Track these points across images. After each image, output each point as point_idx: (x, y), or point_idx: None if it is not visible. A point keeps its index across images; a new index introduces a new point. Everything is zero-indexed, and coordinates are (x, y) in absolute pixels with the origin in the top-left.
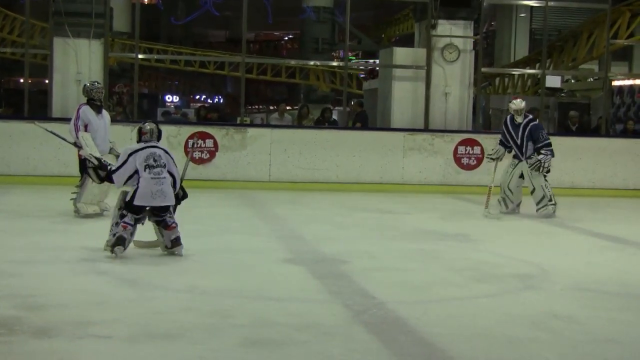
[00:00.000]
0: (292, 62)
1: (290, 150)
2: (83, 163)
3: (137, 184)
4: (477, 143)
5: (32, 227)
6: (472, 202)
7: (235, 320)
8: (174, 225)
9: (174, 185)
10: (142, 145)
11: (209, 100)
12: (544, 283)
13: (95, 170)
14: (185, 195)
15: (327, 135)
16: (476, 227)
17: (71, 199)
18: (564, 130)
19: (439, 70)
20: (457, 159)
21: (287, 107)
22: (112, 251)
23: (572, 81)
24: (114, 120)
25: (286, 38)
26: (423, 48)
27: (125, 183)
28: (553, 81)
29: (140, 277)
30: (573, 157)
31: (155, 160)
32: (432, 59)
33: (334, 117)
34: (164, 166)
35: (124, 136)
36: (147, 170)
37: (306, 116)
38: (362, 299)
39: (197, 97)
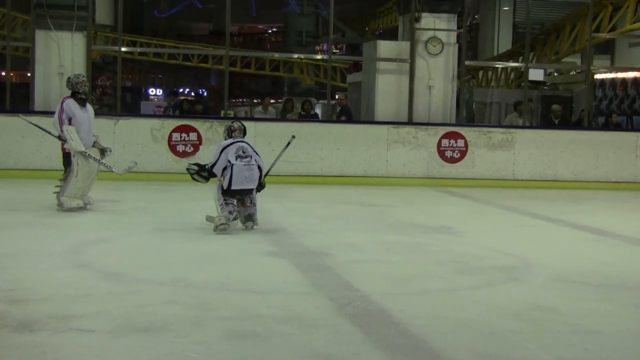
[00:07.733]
0: (276, 55)
1: (274, 144)
2: (67, 156)
3: (230, 173)
4: (460, 136)
5: (14, 221)
6: (456, 194)
7: (219, 312)
8: (247, 204)
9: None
10: (230, 141)
11: (192, 94)
12: (527, 275)
13: (199, 174)
14: (263, 186)
15: (311, 128)
16: (459, 219)
17: (54, 193)
18: (547, 123)
19: (423, 63)
20: (441, 152)
21: (272, 101)
22: (223, 227)
23: (555, 74)
24: (97, 114)
25: (270, 31)
26: (407, 41)
27: (222, 174)
28: (536, 74)
29: (123, 271)
30: (555, 149)
31: (244, 152)
32: (416, 52)
33: (317, 110)
34: (251, 157)
35: (108, 129)
36: (239, 159)
37: (291, 110)
38: (346, 292)
39: (181, 90)
